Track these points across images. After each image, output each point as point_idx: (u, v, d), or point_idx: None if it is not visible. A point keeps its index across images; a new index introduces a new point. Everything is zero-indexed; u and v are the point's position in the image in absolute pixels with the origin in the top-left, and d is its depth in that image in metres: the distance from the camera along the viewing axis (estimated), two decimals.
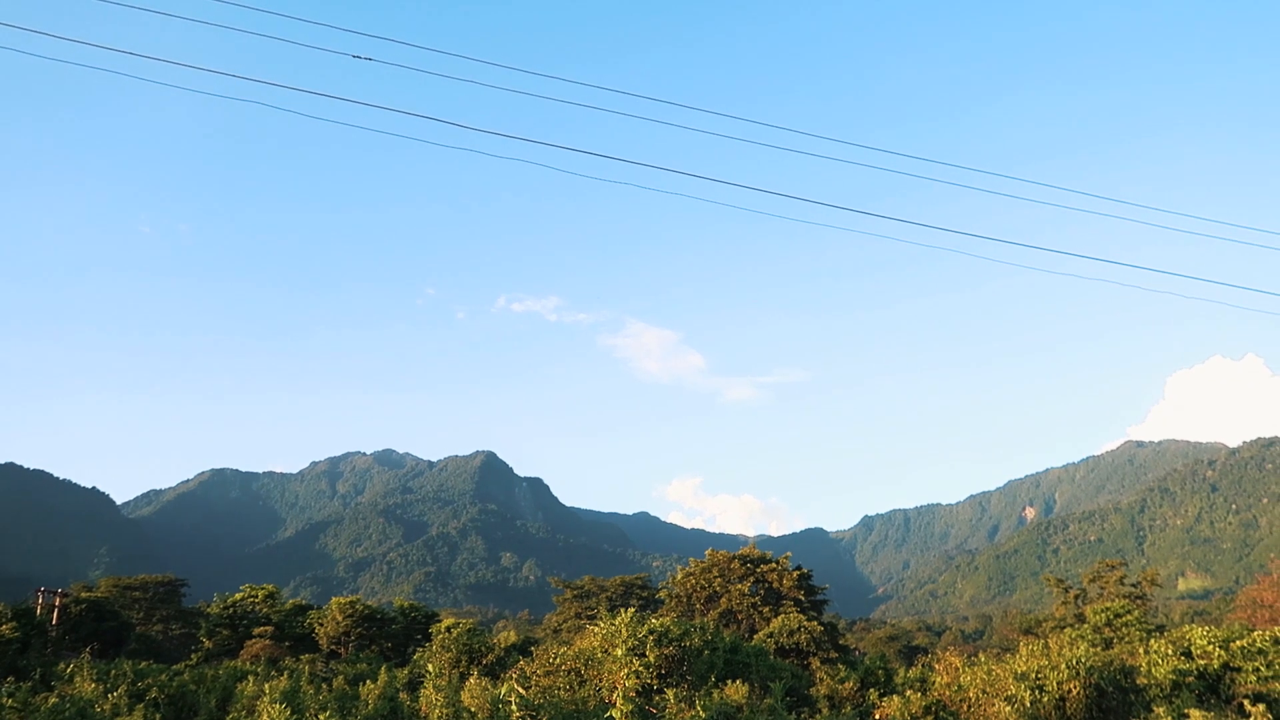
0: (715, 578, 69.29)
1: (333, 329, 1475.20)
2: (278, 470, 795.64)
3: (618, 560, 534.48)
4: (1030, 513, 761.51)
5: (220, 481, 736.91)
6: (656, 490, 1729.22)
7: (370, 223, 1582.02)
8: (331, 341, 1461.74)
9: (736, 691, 19.26)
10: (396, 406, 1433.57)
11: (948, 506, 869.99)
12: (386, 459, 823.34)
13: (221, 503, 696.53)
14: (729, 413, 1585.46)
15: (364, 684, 26.10)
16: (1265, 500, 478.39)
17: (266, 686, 18.13)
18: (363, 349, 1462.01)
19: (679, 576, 72.56)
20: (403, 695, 22.07)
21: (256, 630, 69.10)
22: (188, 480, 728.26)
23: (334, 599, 76.12)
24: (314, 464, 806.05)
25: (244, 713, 18.94)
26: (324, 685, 29.23)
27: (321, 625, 70.97)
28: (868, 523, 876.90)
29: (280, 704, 13.54)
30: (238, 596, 76.35)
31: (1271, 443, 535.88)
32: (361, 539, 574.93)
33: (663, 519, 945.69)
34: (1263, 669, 21.37)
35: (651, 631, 18.65)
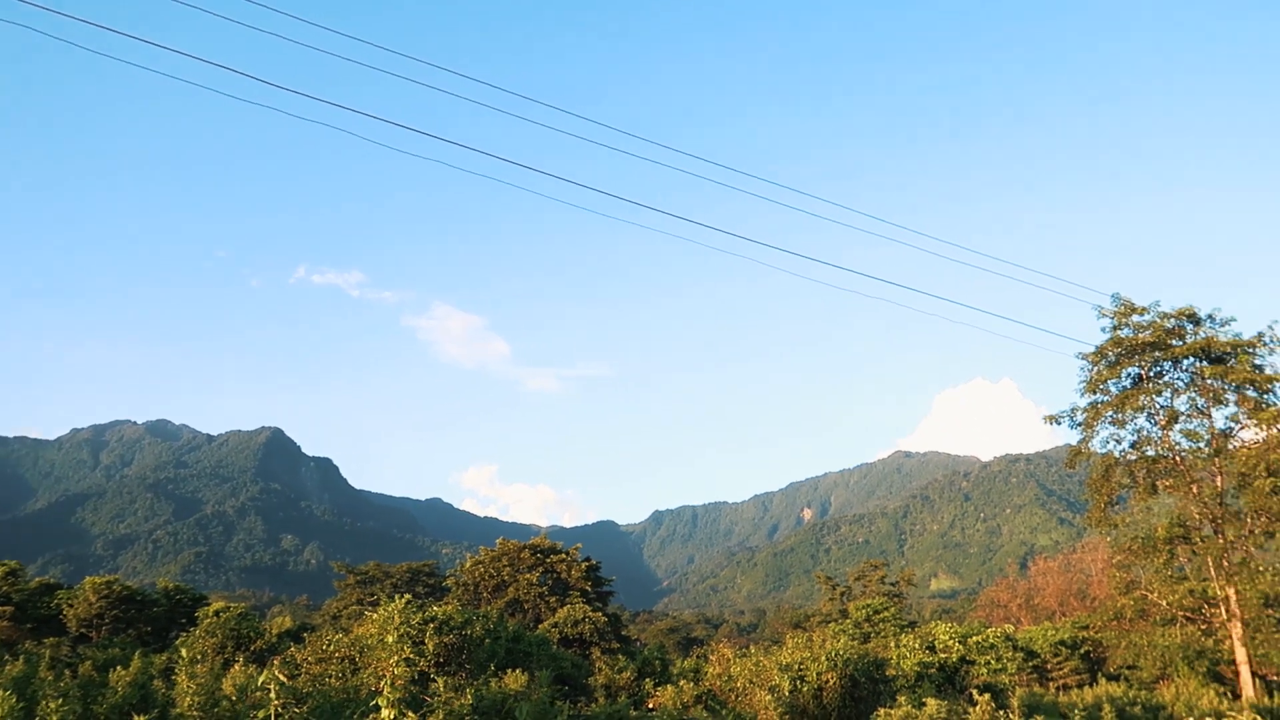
0: (505, 567, 69.01)
1: (108, 283, 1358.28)
2: (31, 435, 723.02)
3: (407, 546, 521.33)
4: (808, 514, 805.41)
5: None
6: (452, 476, 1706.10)
7: (158, 172, 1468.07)
8: (105, 297, 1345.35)
9: (515, 680, 19.30)
10: (175, 373, 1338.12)
11: (733, 505, 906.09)
12: (160, 430, 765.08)
13: None
14: (531, 402, 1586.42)
15: (114, 670, 24.20)
16: (1008, 510, 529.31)
17: None
18: (140, 308, 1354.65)
19: (468, 564, 71.76)
20: (157, 683, 20.66)
21: None
22: None
23: (88, 578, 70.00)
24: (75, 430, 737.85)
25: None
26: (67, 671, 26.87)
27: (71, 606, 65.06)
28: (658, 517, 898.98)
29: (7, 690, 12.33)
30: None
31: (1016, 459, 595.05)
32: (125, 514, 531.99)
33: (456, 506, 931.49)
34: (993, 662, 23.69)
35: (431, 619, 18.37)
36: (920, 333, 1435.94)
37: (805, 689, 18.40)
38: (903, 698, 14.78)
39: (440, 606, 21.32)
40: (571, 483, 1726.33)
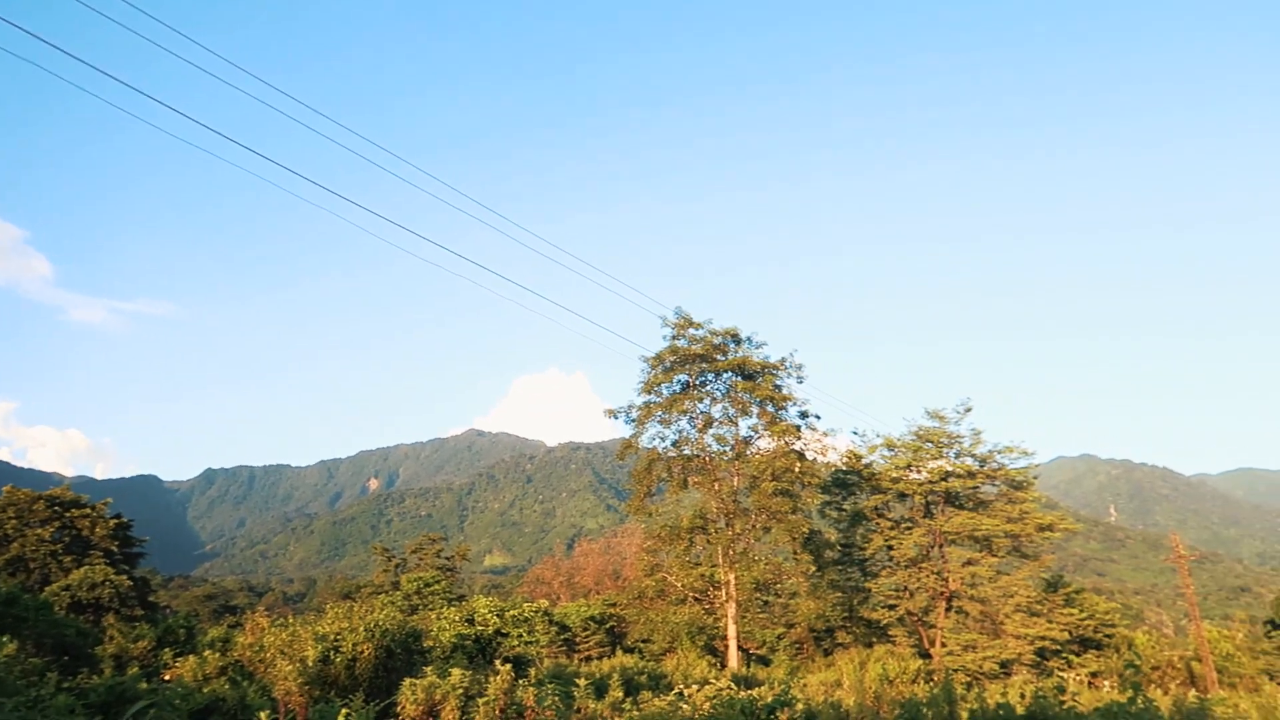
0: (10, 519, 59.79)
1: None
2: None
3: None
4: (374, 484, 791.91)
5: None
6: None
7: None
8: None
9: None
10: None
11: (297, 469, 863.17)
12: None
13: None
14: (71, 334, 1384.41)
15: None
16: (564, 494, 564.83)
17: None
18: None
19: None
20: None
21: None
22: None
23: None
24: None
25: None
26: None
27: None
28: (210, 476, 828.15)
29: None
30: None
31: (578, 447, 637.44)
32: None
33: None
34: (525, 634, 25.25)
35: None
36: (506, 318, 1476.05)
37: (339, 660, 18.23)
38: (430, 668, 15.27)
39: None
40: (111, 430, 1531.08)
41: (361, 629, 18.81)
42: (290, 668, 14.61)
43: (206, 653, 23.11)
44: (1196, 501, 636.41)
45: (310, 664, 16.45)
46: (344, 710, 12.79)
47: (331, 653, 18.14)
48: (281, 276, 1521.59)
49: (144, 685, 17.77)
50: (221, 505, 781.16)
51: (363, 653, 18.51)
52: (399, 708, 13.62)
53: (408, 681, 13.78)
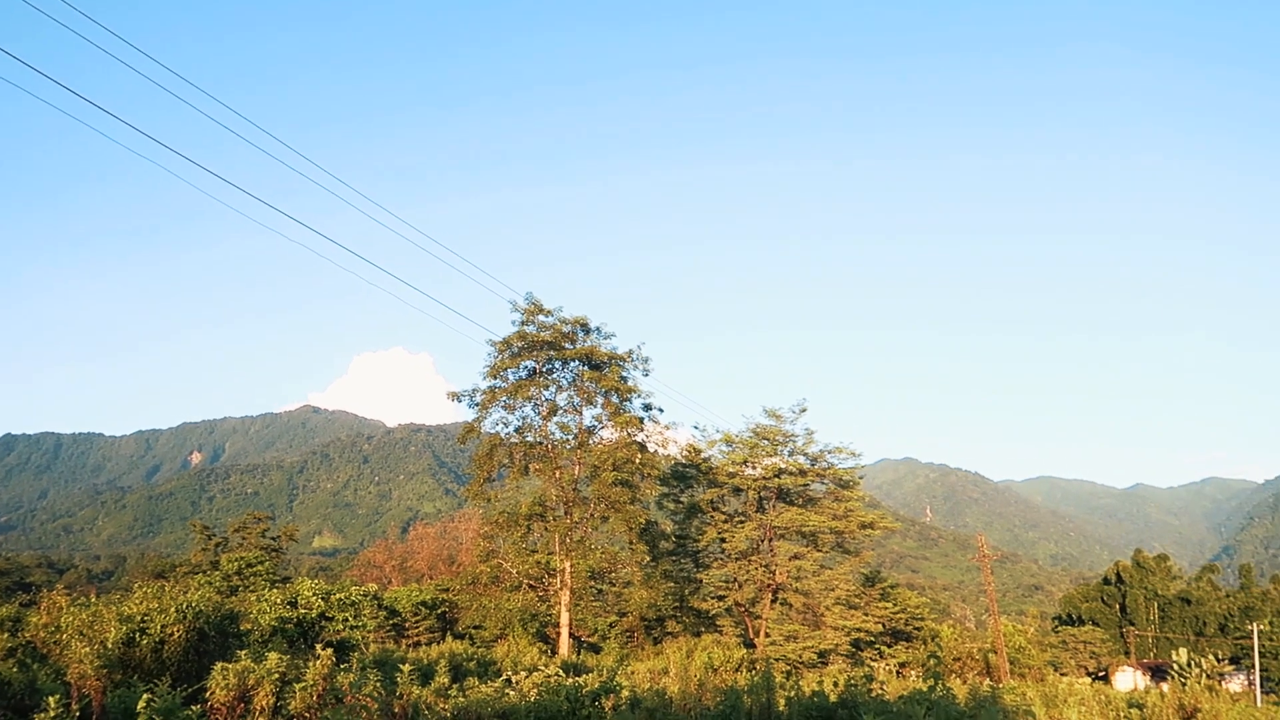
0: None
1: None
2: None
3: None
4: (197, 458, 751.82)
5: None
6: None
7: None
8: None
9: None
10: None
11: (110, 438, 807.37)
12: None
13: None
14: None
15: None
16: (402, 477, 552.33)
17: None
18: None
19: None
20: None
21: None
22: None
23: None
24: None
25: None
26: None
27: None
28: (9, 442, 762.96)
29: None
30: None
31: (419, 428, 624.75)
32: None
33: None
34: (351, 618, 24.53)
35: None
36: (349, 293, 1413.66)
37: (146, 642, 17.17)
38: (245, 652, 14.58)
39: None
40: None
41: (173, 609, 17.76)
42: (87, 650, 13.61)
43: None
44: (1002, 505, 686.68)
45: (110, 646, 15.41)
46: (146, 695, 12.03)
47: (137, 634, 17.06)
48: (102, 228, 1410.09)
49: None
50: (21, 474, 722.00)
51: (172, 635, 17.50)
52: (208, 693, 12.94)
53: (219, 666, 13.09)
